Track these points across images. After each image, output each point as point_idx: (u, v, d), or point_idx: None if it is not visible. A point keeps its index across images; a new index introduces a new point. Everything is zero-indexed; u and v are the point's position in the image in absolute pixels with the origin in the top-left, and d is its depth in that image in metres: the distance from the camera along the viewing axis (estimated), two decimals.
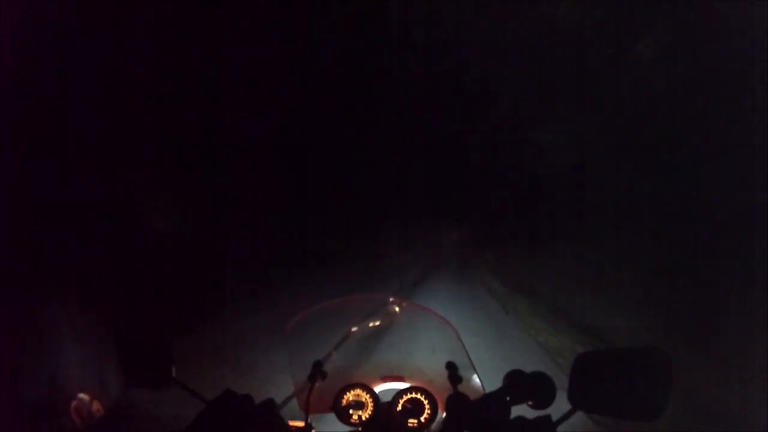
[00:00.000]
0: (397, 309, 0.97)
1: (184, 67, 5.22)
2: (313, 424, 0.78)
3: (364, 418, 0.86)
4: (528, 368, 0.72)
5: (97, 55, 4.31)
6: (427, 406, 0.86)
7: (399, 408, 0.86)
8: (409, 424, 0.84)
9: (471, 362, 0.87)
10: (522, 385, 0.68)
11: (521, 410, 0.67)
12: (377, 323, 0.99)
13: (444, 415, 0.77)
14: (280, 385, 0.86)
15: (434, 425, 0.84)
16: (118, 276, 4.20)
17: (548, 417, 0.64)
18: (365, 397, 0.88)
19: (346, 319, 0.98)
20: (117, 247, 4.19)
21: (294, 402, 0.86)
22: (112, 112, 4.03)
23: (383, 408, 0.88)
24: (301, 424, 0.77)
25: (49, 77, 3.59)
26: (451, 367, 0.86)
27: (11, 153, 2.98)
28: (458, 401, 0.72)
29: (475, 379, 0.87)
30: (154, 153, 5.19)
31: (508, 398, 0.67)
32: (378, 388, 0.91)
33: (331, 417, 0.88)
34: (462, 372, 0.85)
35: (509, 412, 0.67)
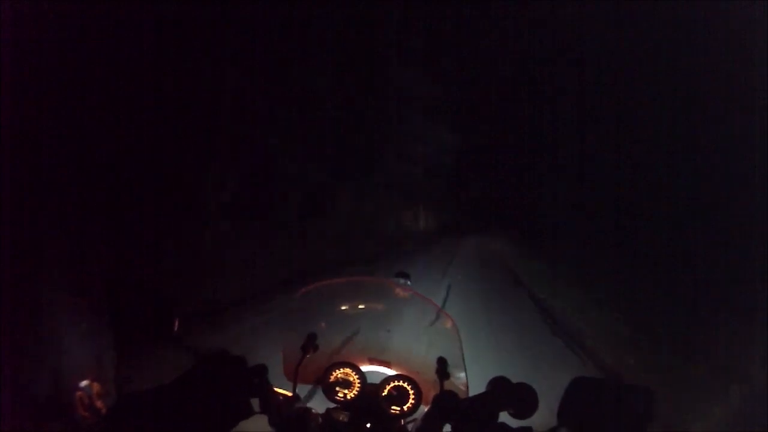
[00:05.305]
0: (401, 297, 0.96)
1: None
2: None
3: (349, 397, 0.86)
4: None
5: (97, 55, 4.29)
6: (412, 396, 0.85)
7: (384, 393, 0.86)
8: (391, 411, 0.84)
9: (464, 363, 0.86)
10: (506, 392, 0.68)
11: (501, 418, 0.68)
12: (377, 307, 0.98)
13: (427, 408, 0.76)
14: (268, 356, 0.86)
15: (415, 416, 0.84)
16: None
17: (530, 428, 0.65)
18: (353, 377, 0.88)
19: (348, 298, 0.98)
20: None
21: (281, 372, 0.86)
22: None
23: (368, 390, 0.87)
24: (288, 393, 0.77)
25: (49, 77, 3.58)
26: (442, 362, 0.85)
27: (11, 153, 2.98)
28: (448, 398, 0.72)
29: (463, 378, 0.86)
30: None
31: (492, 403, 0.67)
32: (364, 369, 0.91)
33: (314, 391, 0.89)
34: (451, 370, 0.84)
35: (496, 417, 0.67)
